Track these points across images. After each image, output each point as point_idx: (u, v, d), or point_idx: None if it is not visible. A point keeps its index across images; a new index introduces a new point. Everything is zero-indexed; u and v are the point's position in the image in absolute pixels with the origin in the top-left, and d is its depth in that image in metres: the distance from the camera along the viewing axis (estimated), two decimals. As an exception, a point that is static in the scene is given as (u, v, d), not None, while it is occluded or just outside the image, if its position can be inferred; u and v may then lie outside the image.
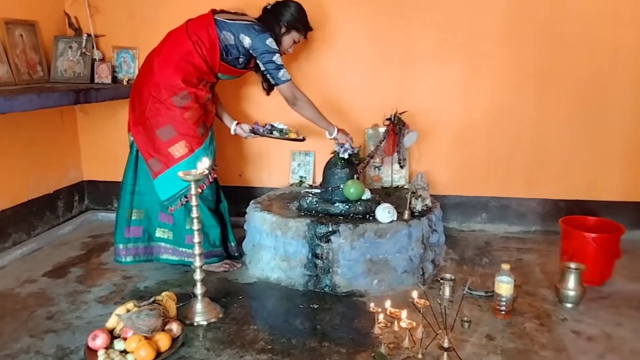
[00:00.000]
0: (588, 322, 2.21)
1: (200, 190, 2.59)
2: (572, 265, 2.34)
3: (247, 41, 2.60)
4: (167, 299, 2.20)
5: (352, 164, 2.72)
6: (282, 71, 2.65)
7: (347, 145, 2.71)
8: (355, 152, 2.73)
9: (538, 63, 3.08)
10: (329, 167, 2.73)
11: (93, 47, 3.34)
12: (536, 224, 3.30)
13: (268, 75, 2.69)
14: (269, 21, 2.70)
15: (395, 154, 3.02)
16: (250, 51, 2.63)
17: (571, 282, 2.32)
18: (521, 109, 3.15)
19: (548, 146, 3.18)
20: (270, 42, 2.62)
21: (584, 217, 2.75)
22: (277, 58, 2.64)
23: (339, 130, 2.86)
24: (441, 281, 2.42)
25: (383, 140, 3.00)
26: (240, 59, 2.68)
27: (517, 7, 3.03)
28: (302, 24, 2.78)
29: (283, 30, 2.73)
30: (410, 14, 3.12)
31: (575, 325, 2.19)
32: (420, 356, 1.92)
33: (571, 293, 2.32)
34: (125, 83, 3.30)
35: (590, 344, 2.05)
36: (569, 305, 2.33)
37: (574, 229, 2.59)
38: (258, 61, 2.66)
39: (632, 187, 3.15)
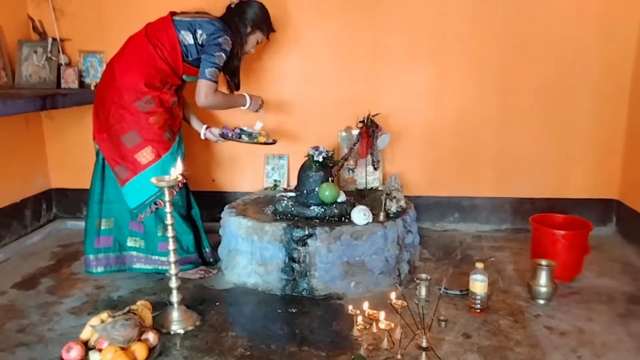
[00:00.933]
0: (560, 318, 2.27)
1: (171, 197, 2.55)
2: (543, 262, 2.40)
3: (202, 37, 2.57)
4: (143, 308, 2.16)
5: (327, 166, 2.73)
6: (213, 69, 2.55)
7: (321, 148, 2.71)
8: (330, 154, 2.74)
9: (503, 64, 3.15)
10: (303, 170, 2.73)
11: (59, 52, 3.26)
12: (507, 222, 3.37)
13: (201, 65, 2.57)
14: (233, 20, 2.69)
15: (369, 156, 3.04)
16: (203, 44, 2.58)
17: (542, 278, 2.37)
18: (488, 109, 3.22)
19: (515, 146, 3.26)
20: (224, 41, 2.57)
21: (553, 215, 2.83)
22: (218, 57, 2.56)
23: (251, 97, 2.82)
24: (417, 281, 2.44)
25: (356, 143, 3.02)
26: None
27: (483, 9, 3.09)
28: (265, 24, 2.77)
29: (249, 29, 2.72)
30: (378, 17, 3.15)
31: (548, 321, 2.25)
32: (399, 357, 1.93)
33: (543, 289, 2.37)
34: (92, 88, 3.23)
35: (563, 339, 2.11)
36: (541, 301, 2.39)
37: (544, 226, 2.66)
38: (202, 53, 2.57)
39: (597, 185, 3.25)
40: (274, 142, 2.86)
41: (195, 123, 2.92)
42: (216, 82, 2.59)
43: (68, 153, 3.47)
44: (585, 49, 3.09)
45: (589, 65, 3.11)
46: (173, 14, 2.64)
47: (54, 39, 3.26)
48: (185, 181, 2.68)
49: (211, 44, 2.56)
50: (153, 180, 2.14)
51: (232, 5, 2.74)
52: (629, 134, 3.13)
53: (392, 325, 1.99)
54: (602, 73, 3.11)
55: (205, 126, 2.87)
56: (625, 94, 3.12)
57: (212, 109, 2.70)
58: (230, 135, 2.79)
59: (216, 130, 2.83)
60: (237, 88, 2.88)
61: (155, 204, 2.56)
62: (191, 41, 2.58)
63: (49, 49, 3.23)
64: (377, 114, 3.02)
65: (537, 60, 3.13)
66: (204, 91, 2.57)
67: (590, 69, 3.11)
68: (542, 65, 3.14)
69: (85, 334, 2.01)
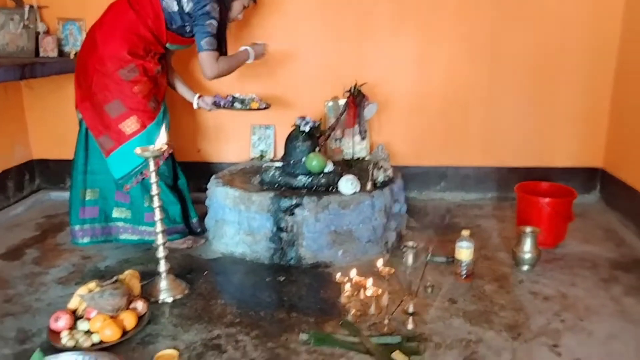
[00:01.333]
0: (544, 283, 2.31)
1: (156, 167, 2.53)
2: (528, 229, 2.43)
3: (188, 5, 2.51)
4: (131, 277, 2.15)
5: (314, 136, 2.71)
6: (208, 38, 2.51)
7: (307, 118, 2.69)
8: (317, 124, 2.71)
9: (490, 34, 3.14)
10: (290, 140, 2.71)
11: (37, 19, 3.16)
12: (492, 190, 3.40)
13: (195, 37, 2.53)
14: None
15: (356, 126, 3.03)
16: (190, 14, 2.53)
17: (527, 245, 2.41)
18: (475, 79, 3.21)
19: (501, 115, 3.26)
20: (211, 8, 2.51)
21: (538, 183, 2.86)
22: (210, 24, 2.51)
23: (252, 46, 2.76)
24: (404, 249, 2.47)
25: (343, 113, 3.00)
26: (187, 27, 2.59)
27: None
28: None
29: None
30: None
31: (532, 286, 2.29)
32: (386, 322, 1.96)
33: (527, 256, 2.41)
34: (72, 56, 3.15)
35: (547, 304, 2.15)
36: (525, 267, 2.43)
37: (529, 194, 2.69)
38: (192, 24, 2.53)
39: (582, 154, 3.28)
40: (267, 107, 2.83)
41: (185, 92, 2.87)
42: (215, 49, 2.55)
43: (49, 123, 3.40)
44: (572, 19, 3.08)
45: (575, 35, 3.10)
46: None
47: (31, 6, 3.15)
48: (171, 151, 2.64)
49: (199, 13, 2.50)
50: (137, 150, 2.11)
51: None
52: (613, 104, 3.15)
53: (380, 291, 2.02)
54: (588, 42, 3.11)
55: (197, 95, 2.83)
56: (611, 63, 3.12)
57: (222, 76, 2.64)
58: (223, 103, 2.76)
59: (209, 99, 2.79)
60: (225, 54, 2.81)
61: (141, 174, 2.53)
62: (175, 9, 2.52)
63: (26, 16, 3.12)
64: (363, 84, 3.00)
65: (524, 29, 3.12)
66: (208, 63, 2.53)
67: (577, 38, 3.11)
68: (529, 35, 3.13)
69: (73, 304, 2.01)
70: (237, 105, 2.75)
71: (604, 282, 2.32)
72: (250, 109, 2.79)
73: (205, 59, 2.53)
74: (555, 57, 3.15)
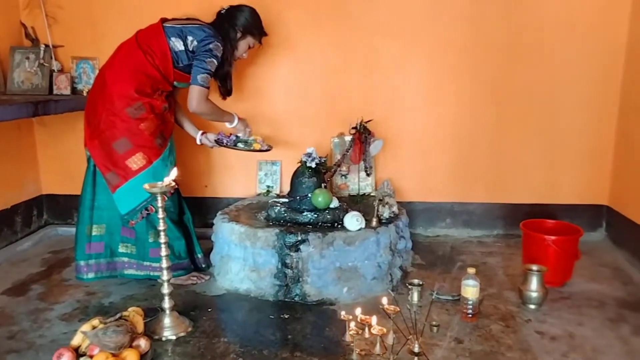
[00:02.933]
0: (551, 323, 2.28)
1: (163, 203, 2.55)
2: (534, 267, 2.41)
3: (193, 44, 2.59)
4: (134, 314, 2.15)
5: (319, 172, 2.74)
6: (205, 75, 2.57)
7: (314, 154, 2.72)
8: (322, 161, 2.74)
9: (495, 72, 3.19)
10: (296, 176, 2.74)
11: (51, 58, 3.26)
12: (498, 227, 3.39)
13: (192, 71, 2.58)
14: (223, 26, 2.70)
15: (362, 162, 3.06)
16: (194, 51, 2.59)
17: (533, 283, 2.39)
18: (480, 116, 3.25)
19: (506, 152, 3.28)
20: (215, 47, 2.59)
21: (544, 221, 2.84)
22: (210, 62, 2.58)
23: (239, 119, 2.87)
24: (409, 287, 2.45)
25: (349, 149, 3.04)
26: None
27: (475, 17, 3.13)
28: (256, 29, 2.78)
29: (239, 35, 2.73)
30: (371, 24, 3.17)
31: (539, 325, 2.26)
32: (391, 362, 1.93)
33: (534, 294, 2.39)
34: (85, 94, 3.23)
35: (554, 344, 2.12)
36: (532, 306, 2.40)
37: (535, 232, 2.68)
38: (194, 59, 2.59)
39: (587, 190, 3.27)
40: (269, 149, 2.88)
41: (190, 128, 2.93)
42: (208, 87, 2.61)
43: (60, 159, 3.46)
44: (576, 58, 3.12)
45: (579, 74, 3.14)
46: (164, 20, 2.65)
47: (47, 46, 3.25)
48: (176, 187, 2.67)
49: (202, 50, 2.57)
50: (146, 186, 2.14)
51: (223, 11, 2.75)
52: (618, 141, 3.17)
53: (385, 330, 1.99)
54: (593, 81, 3.14)
55: (201, 132, 2.89)
56: (615, 101, 3.15)
57: (203, 116, 2.71)
58: (225, 142, 2.80)
59: (212, 136, 2.84)
60: (229, 93, 2.88)
61: (146, 209, 2.55)
62: (182, 47, 2.59)
63: (41, 55, 3.22)
64: (369, 120, 3.04)
65: (529, 68, 3.16)
66: (196, 97, 2.58)
67: (581, 77, 3.14)
68: (534, 73, 3.17)
69: (76, 340, 2.00)
70: (240, 145, 2.80)
71: (611, 322, 2.29)
72: (252, 150, 2.83)
73: (196, 93, 2.58)
74: (560, 94, 3.18)
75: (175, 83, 2.67)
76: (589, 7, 3.06)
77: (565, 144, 3.23)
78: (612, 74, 3.12)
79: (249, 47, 2.82)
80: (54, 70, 3.26)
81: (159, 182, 2.18)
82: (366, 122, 3.02)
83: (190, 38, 2.58)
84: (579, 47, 3.11)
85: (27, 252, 3.19)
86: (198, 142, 2.89)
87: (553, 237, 2.58)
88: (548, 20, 3.10)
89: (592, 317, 2.33)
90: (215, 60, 2.60)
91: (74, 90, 3.28)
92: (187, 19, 2.69)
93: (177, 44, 2.58)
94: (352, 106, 3.20)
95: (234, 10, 2.74)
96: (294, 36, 3.21)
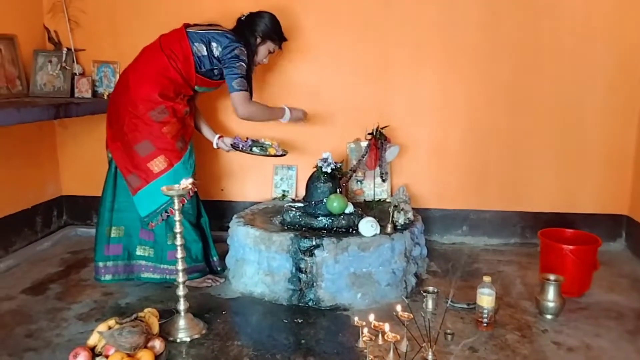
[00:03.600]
0: (568, 333, 2.25)
1: (181, 205, 2.58)
2: (552, 277, 2.38)
3: (217, 49, 2.62)
4: (150, 315, 2.17)
5: (335, 177, 2.74)
6: (239, 80, 2.62)
7: (329, 159, 2.72)
8: (338, 166, 2.75)
9: (512, 77, 3.16)
10: (312, 181, 2.75)
11: (73, 62, 3.32)
12: (515, 236, 3.35)
13: (226, 80, 2.65)
14: (243, 32, 2.72)
15: (377, 167, 3.05)
16: (220, 58, 2.64)
17: (551, 293, 2.36)
18: (497, 122, 3.22)
19: (524, 159, 3.25)
20: (240, 52, 2.63)
21: (562, 230, 2.81)
22: (240, 66, 2.62)
23: (291, 110, 2.89)
24: (424, 294, 2.44)
25: (365, 155, 3.03)
26: (215, 70, 2.69)
27: (491, 23, 3.11)
28: (276, 34, 2.81)
29: (258, 40, 2.76)
30: (387, 30, 3.18)
31: (555, 336, 2.23)
32: (404, 369, 1.93)
33: (551, 304, 2.36)
34: (105, 97, 3.28)
35: (571, 355, 2.09)
36: (549, 316, 2.37)
37: (553, 241, 2.65)
38: (223, 67, 2.64)
39: (607, 200, 3.22)
40: (284, 154, 2.89)
41: (207, 132, 2.96)
42: (247, 90, 2.66)
43: (80, 161, 3.52)
44: (595, 64, 3.09)
45: (598, 81, 3.10)
46: (186, 25, 2.68)
47: (69, 49, 3.32)
48: (196, 190, 2.70)
49: (229, 57, 2.61)
50: (163, 189, 2.16)
51: (243, 18, 2.78)
52: (638, 150, 3.12)
53: (398, 337, 1.98)
54: (612, 87, 3.10)
55: (217, 135, 2.91)
56: (635, 109, 3.11)
57: (253, 119, 2.75)
58: (241, 146, 2.82)
59: (228, 140, 2.87)
60: (250, 99, 2.90)
61: (166, 212, 2.58)
62: (205, 53, 2.62)
63: (63, 58, 3.29)
64: (385, 126, 3.04)
65: (547, 74, 3.14)
66: (239, 102, 2.64)
67: (600, 82, 3.11)
68: (552, 80, 3.14)
69: (92, 340, 2.02)
70: (255, 150, 2.82)
71: (630, 334, 2.25)
72: (268, 155, 2.84)
73: (238, 99, 2.64)
74: (578, 101, 3.14)
75: (196, 87, 2.71)
76: (608, 11, 3.02)
77: (584, 151, 3.19)
78: (632, 80, 3.08)
79: (270, 52, 2.84)
80: (75, 74, 3.31)
81: (176, 185, 2.21)
82: (382, 128, 3.02)
83: (214, 44, 2.62)
84: (598, 52, 3.07)
85: (46, 252, 3.24)
86: (215, 146, 2.92)
87: (571, 247, 2.55)
88: (565, 25, 3.07)
89: (610, 329, 2.29)
90: (244, 64, 2.64)
91: (94, 94, 3.33)
92: (209, 25, 2.72)
93: (201, 49, 2.62)
94: (369, 112, 3.20)
95: (253, 16, 2.77)
96: (311, 42, 3.23)
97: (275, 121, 2.93)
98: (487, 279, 2.28)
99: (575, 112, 3.16)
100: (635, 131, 3.13)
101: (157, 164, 2.56)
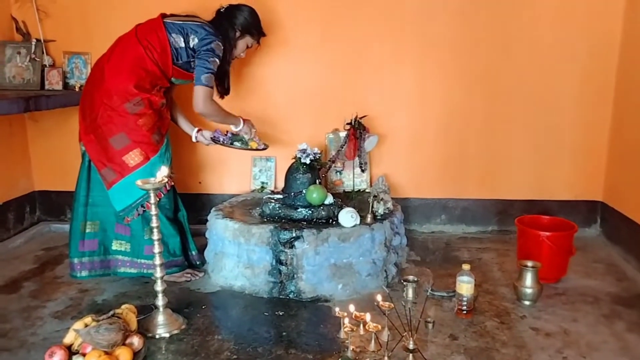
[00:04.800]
0: (546, 319, 2.28)
1: (157, 199, 2.53)
2: (529, 263, 2.41)
3: (194, 41, 2.57)
4: (127, 311, 2.13)
5: (314, 168, 2.72)
6: (208, 75, 2.56)
7: (308, 150, 2.71)
8: (317, 157, 2.73)
9: (487, 67, 3.18)
10: (290, 172, 2.73)
11: (43, 53, 3.23)
12: (493, 223, 3.39)
13: (195, 71, 2.58)
14: (222, 25, 2.68)
15: (357, 158, 3.05)
16: (195, 49, 2.58)
17: (528, 280, 2.39)
18: (474, 112, 3.24)
19: (501, 148, 3.28)
20: (216, 46, 2.58)
21: (538, 217, 2.85)
22: (213, 62, 2.57)
23: (244, 121, 2.84)
24: (404, 283, 2.45)
25: (344, 145, 3.02)
26: (192, 63, 2.63)
27: (467, 13, 3.12)
28: (256, 29, 2.77)
29: (237, 34, 2.71)
30: (365, 22, 3.17)
31: (533, 322, 2.26)
32: (386, 359, 1.93)
33: (529, 291, 2.39)
34: (77, 89, 3.21)
35: (549, 340, 2.12)
36: (527, 302, 2.40)
37: (529, 228, 2.68)
38: (196, 58, 2.57)
39: (582, 187, 3.28)
40: (265, 148, 2.86)
41: (185, 125, 2.91)
42: (212, 87, 2.60)
43: (52, 155, 3.43)
44: (569, 53, 3.12)
45: (573, 69, 3.14)
46: (163, 15, 2.62)
47: (38, 40, 3.22)
48: (172, 184, 2.66)
49: (204, 50, 2.56)
50: (138, 182, 2.12)
51: (222, 10, 2.73)
52: (612, 137, 3.17)
53: (379, 327, 1.99)
54: (586, 76, 3.14)
55: (196, 129, 2.87)
56: (608, 97, 3.15)
57: (208, 117, 2.69)
58: (221, 140, 2.78)
59: (208, 134, 2.83)
60: (227, 92, 2.85)
61: (142, 206, 2.53)
62: (182, 44, 2.57)
63: (32, 50, 3.19)
64: (364, 116, 3.03)
65: (522, 64, 3.16)
66: (201, 97, 2.57)
67: (574, 72, 3.14)
68: (527, 69, 3.16)
69: (68, 338, 1.98)
70: (236, 144, 2.78)
71: (606, 318, 2.29)
72: (248, 149, 2.81)
73: (201, 93, 2.56)
74: (553, 89, 3.18)
75: (173, 79, 2.65)
76: (582, 1, 3.05)
77: (560, 140, 3.23)
78: (606, 69, 3.12)
79: (247, 47, 2.80)
80: (45, 65, 3.22)
81: (152, 179, 2.17)
82: (361, 118, 3.01)
83: (191, 36, 2.57)
84: (572, 42, 3.11)
85: (19, 249, 3.16)
86: (194, 139, 2.88)
87: (547, 233, 2.58)
88: (540, 15, 3.09)
89: (587, 313, 2.33)
90: (217, 60, 2.59)
91: (65, 86, 3.25)
92: (187, 15, 2.66)
93: (178, 40, 2.56)
94: (347, 102, 3.18)
95: (233, 9, 2.72)
96: (289, 34, 3.19)
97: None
98: (466, 266, 2.30)
99: (550, 101, 3.19)
100: (609, 119, 3.18)
101: (133, 158, 2.50)
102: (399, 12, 3.14)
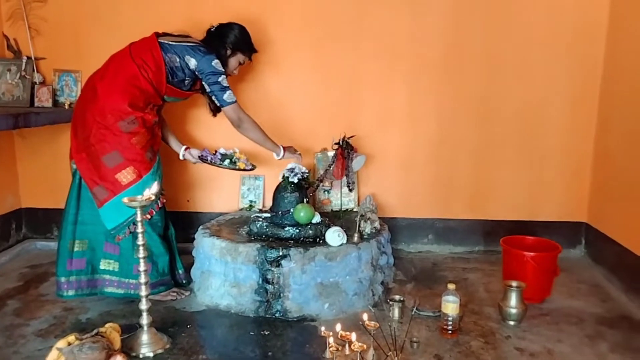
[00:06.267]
0: (530, 339, 2.29)
1: (149, 217, 2.53)
2: (514, 283, 2.43)
3: (192, 63, 2.61)
4: (111, 330, 2.11)
5: (302, 187, 2.74)
6: (227, 93, 2.65)
7: (296, 169, 2.73)
8: (305, 176, 2.75)
9: (476, 91, 3.24)
10: (278, 191, 2.74)
11: (33, 70, 3.24)
12: (479, 244, 3.41)
13: (213, 97, 2.68)
14: (213, 43, 2.71)
15: (344, 177, 3.07)
16: (196, 73, 2.63)
17: (513, 300, 2.40)
18: (462, 134, 3.29)
19: (487, 169, 3.32)
20: (216, 63, 2.63)
21: (524, 237, 2.87)
22: (222, 79, 2.64)
23: (285, 148, 2.88)
24: (390, 303, 2.46)
25: (332, 164, 3.04)
26: (186, 81, 2.67)
27: (458, 37, 3.18)
28: (246, 46, 2.81)
29: (229, 52, 2.75)
30: (356, 42, 3.21)
31: (518, 342, 2.27)
32: (371, 379, 1.93)
33: (513, 311, 2.40)
34: (67, 107, 3.22)
35: (533, 360, 2.13)
36: (511, 322, 2.41)
37: (514, 248, 2.70)
38: (204, 83, 2.66)
39: (567, 208, 3.32)
40: (253, 168, 2.87)
41: (174, 143, 2.92)
42: (236, 101, 2.71)
43: (40, 172, 3.42)
44: (555, 77, 3.18)
45: (558, 93, 3.20)
46: (157, 34, 2.65)
47: (29, 58, 3.24)
48: (164, 201, 2.65)
49: (209, 71, 2.62)
50: (125, 200, 2.12)
51: (212, 29, 2.77)
52: (596, 160, 3.22)
53: (365, 346, 1.99)
54: (571, 100, 3.20)
55: (184, 147, 2.87)
56: (592, 122, 3.21)
57: (249, 131, 2.76)
58: (210, 159, 2.79)
59: (195, 152, 2.83)
60: (219, 110, 2.82)
61: (134, 224, 2.50)
62: (177, 64, 2.60)
63: (23, 67, 3.21)
64: (352, 136, 3.06)
65: (510, 88, 3.22)
66: (235, 114, 2.69)
67: (560, 96, 3.20)
68: (515, 93, 3.22)
69: (51, 357, 1.96)
70: (225, 163, 2.79)
71: (590, 339, 2.31)
72: (236, 169, 2.83)
73: (232, 111, 2.69)
74: (539, 112, 3.23)
75: (165, 97, 2.67)
76: (568, 26, 3.13)
77: (545, 162, 3.28)
78: (590, 92, 3.19)
79: (240, 64, 2.83)
80: (35, 83, 3.23)
81: (139, 196, 2.17)
82: (349, 138, 3.04)
83: (187, 57, 2.60)
84: (558, 67, 3.17)
85: (4, 266, 3.13)
86: (181, 157, 2.88)
87: (532, 254, 2.60)
88: (528, 40, 3.16)
89: (571, 334, 2.35)
90: (224, 75, 2.66)
91: (55, 103, 3.26)
92: (180, 35, 2.69)
93: (174, 60, 2.59)
94: (337, 122, 3.22)
95: (224, 27, 2.76)
96: (280, 54, 3.23)
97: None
98: (451, 286, 2.31)
99: (536, 124, 3.25)
100: (592, 143, 3.23)
101: (126, 175, 2.50)
102: (392, 34, 3.19)
